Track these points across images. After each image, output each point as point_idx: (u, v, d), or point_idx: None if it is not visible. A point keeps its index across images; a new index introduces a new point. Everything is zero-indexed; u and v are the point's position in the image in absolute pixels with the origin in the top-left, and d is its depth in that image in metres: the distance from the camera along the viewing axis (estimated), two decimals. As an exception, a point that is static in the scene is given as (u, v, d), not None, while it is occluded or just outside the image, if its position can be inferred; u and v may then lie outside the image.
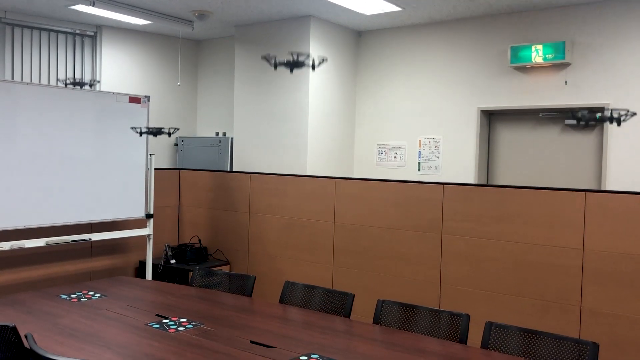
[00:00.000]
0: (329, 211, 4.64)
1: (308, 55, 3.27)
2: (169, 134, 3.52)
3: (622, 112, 2.51)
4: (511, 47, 5.30)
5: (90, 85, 4.08)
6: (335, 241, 4.61)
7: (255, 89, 6.28)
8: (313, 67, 3.42)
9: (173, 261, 5.21)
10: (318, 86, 5.95)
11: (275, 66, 3.37)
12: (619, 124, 2.55)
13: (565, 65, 5.17)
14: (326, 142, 6.12)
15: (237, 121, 6.43)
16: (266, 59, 3.50)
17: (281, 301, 3.24)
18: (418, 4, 5.22)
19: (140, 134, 4.33)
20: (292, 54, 3.22)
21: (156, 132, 3.54)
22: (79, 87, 4.26)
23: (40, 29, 6.13)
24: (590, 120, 2.53)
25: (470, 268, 3.94)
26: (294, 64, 3.24)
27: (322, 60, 3.43)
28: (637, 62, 4.86)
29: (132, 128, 4.69)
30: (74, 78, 6.35)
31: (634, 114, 2.54)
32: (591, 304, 3.49)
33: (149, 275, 4.96)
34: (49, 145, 4.22)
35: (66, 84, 4.18)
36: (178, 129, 4.25)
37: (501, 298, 3.81)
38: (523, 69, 5.40)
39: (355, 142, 6.55)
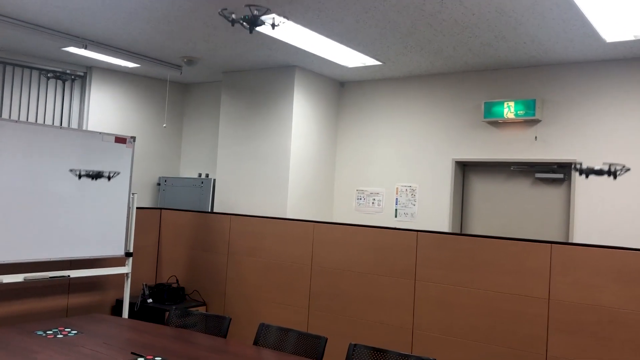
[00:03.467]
0: (307, 255, 4.74)
1: (267, 10, 3.30)
2: None
3: (619, 167, 2.70)
4: (485, 103, 5.57)
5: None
6: (312, 285, 4.69)
7: (239, 133, 6.45)
8: (273, 26, 3.45)
9: (150, 300, 5.23)
10: (301, 131, 6.14)
11: (233, 23, 3.41)
12: (615, 177, 2.74)
13: (535, 122, 5.44)
14: (307, 186, 6.27)
15: (220, 163, 6.57)
16: (224, 15, 3.53)
17: (255, 343, 3.30)
18: (398, 59, 5.49)
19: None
20: (250, 8, 3.25)
21: None
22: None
23: (31, 68, 6.27)
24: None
25: (442, 314, 4.04)
26: (252, 22, 3.27)
27: (283, 21, 3.46)
28: (602, 121, 5.14)
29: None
30: (61, 119, 6.47)
31: (628, 169, 2.75)
32: (557, 353, 3.60)
33: (125, 313, 4.97)
34: (34, 181, 4.30)
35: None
36: None
37: (471, 345, 3.91)
38: (496, 124, 5.66)
39: (335, 187, 6.71)
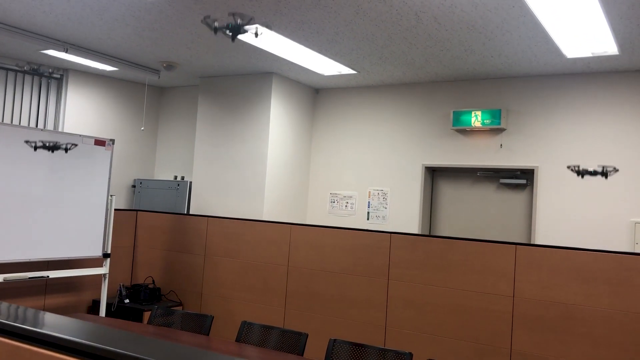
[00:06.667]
0: (284, 256, 4.90)
1: (251, 19, 3.33)
2: None
3: (609, 168, 2.97)
4: (453, 112, 5.85)
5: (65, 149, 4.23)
6: (288, 284, 4.85)
7: (216, 136, 6.56)
8: (256, 35, 3.58)
9: (127, 301, 5.30)
10: (277, 136, 6.30)
11: (216, 31, 3.50)
12: (606, 177, 2.99)
13: (500, 130, 5.74)
14: (282, 190, 6.42)
15: (197, 166, 6.67)
16: (207, 23, 3.62)
17: (237, 340, 3.45)
18: (371, 69, 5.72)
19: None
20: (234, 16, 3.28)
21: None
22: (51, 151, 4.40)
23: (7, 69, 6.24)
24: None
25: (413, 312, 4.27)
26: (235, 30, 3.33)
27: (263, 32, 3.51)
28: (562, 130, 5.48)
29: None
30: (37, 121, 6.45)
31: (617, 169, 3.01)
32: (520, 347, 3.87)
33: (102, 313, 5.02)
34: (12, 183, 4.33)
35: (35, 148, 4.35)
36: None
37: (441, 341, 4.14)
38: (463, 132, 5.95)
39: (309, 190, 6.89)
